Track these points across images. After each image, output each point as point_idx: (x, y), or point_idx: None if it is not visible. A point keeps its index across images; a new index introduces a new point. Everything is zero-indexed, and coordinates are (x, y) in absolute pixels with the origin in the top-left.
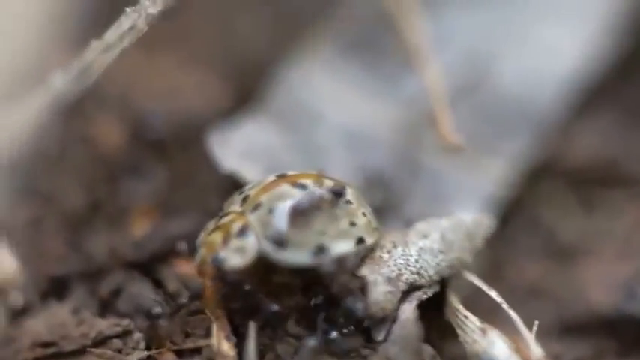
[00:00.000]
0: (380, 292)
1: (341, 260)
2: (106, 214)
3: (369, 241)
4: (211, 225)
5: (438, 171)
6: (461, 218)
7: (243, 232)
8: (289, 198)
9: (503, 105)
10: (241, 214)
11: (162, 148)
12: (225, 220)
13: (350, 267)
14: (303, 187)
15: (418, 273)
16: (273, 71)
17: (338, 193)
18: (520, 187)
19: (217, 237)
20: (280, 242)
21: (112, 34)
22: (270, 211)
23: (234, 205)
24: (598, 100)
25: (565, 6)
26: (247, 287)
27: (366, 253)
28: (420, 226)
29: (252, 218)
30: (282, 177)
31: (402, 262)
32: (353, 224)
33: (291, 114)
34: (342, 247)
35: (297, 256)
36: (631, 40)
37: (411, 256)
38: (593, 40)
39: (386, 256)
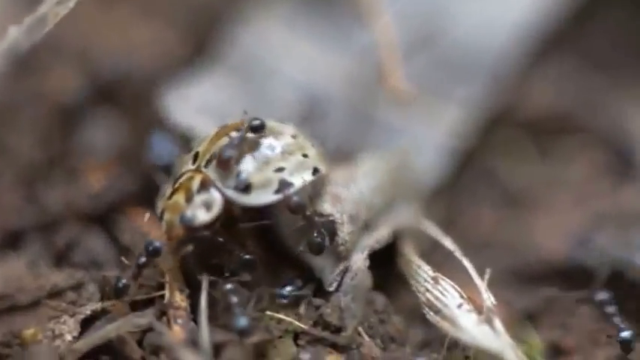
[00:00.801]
0: (346, 232)
1: (302, 192)
2: (62, 167)
3: (323, 170)
4: (168, 189)
5: (391, 123)
6: (390, 153)
7: (204, 186)
8: (231, 143)
9: (457, 54)
10: (197, 170)
11: (119, 101)
12: (183, 179)
13: (312, 198)
14: (237, 138)
15: (371, 210)
16: (228, 25)
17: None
18: (475, 137)
19: (180, 197)
20: (244, 188)
21: None
22: (224, 158)
23: (186, 165)
24: (554, 47)
25: None
26: (218, 240)
27: (322, 183)
28: (365, 163)
29: (209, 171)
30: (224, 127)
31: (358, 199)
32: (305, 156)
33: (246, 69)
34: (302, 178)
35: (262, 196)
36: None
37: (363, 193)
38: None
39: (345, 192)
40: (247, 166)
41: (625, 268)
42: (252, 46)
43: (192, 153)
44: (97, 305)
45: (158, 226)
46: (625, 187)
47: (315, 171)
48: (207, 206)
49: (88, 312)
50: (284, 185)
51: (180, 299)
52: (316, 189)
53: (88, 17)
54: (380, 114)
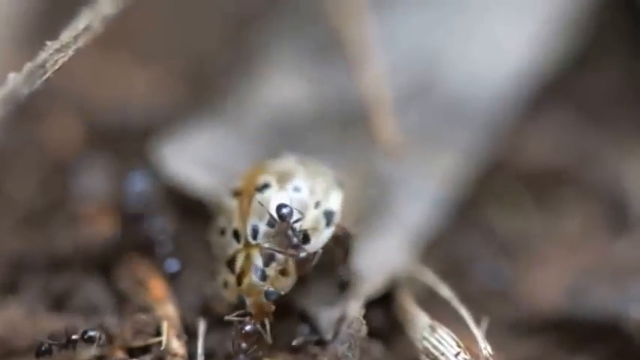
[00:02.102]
0: None
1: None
2: (61, 212)
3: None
4: (227, 276)
5: (387, 173)
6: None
7: (268, 257)
8: (271, 199)
9: (452, 103)
10: (247, 246)
11: (116, 148)
12: (240, 261)
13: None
14: (266, 186)
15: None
16: (226, 74)
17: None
18: (471, 187)
19: (251, 281)
20: (303, 239)
21: (67, 34)
22: (270, 223)
23: (230, 246)
24: (552, 100)
25: (513, 2)
26: None
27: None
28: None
29: (261, 242)
30: (237, 193)
31: None
32: (324, 175)
33: (242, 120)
34: (336, 198)
35: (320, 237)
36: (583, 38)
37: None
38: (541, 36)
39: None
40: (293, 217)
41: (619, 321)
42: (248, 97)
43: (230, 230)
44: (95, 351)
45: (154, 274)
46: (619, 239)
47: (338, 185)
48: (283, 272)
49: (86, 358)
50: (329, 215)
51: (177, 346)
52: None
53: (86, 64)
54: (376, 164)
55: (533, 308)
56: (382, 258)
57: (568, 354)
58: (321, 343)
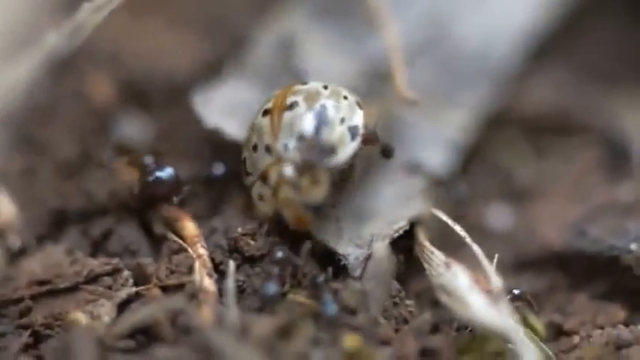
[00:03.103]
0: None
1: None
2: (98, 162)
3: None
4: (262, 188)
5: (402, 117)
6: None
7: (300, 169)
8: (300, 116)
9: (462, 59)
10: (279, 160)
11: (149, 103)
12: (274, 176)
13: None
14: (294, 104)
15: None
16: (252, 32)
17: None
18: (479, 134)
19: (286, 192)
20: (330, 151)
21: None
22: (300, 137)
23: (263, 160)
24: (552, 53)
25: None
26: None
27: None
28: None
29: (291, 154)
30: (269, 110)
31: None
32: (345, 97)
33: (268, 72)
34: (358, 116)
35: (346, 149)
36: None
37: None
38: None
39: None
40: (321, 132)
41: (620, 254)
42: (272, 50)
43: (262, 145)
44: (132, 290)
45: (187, 217)
46: (620, 181)
47: (359, 105)
48: (315, 181)
49: (124, 296)
50: (354, 130)
51: (209, 284)
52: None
53: (120, 25)
54: (392, 110)
55: (539, 246)
56: (404, 201)
57: (572, 287)
58: (342, 278)
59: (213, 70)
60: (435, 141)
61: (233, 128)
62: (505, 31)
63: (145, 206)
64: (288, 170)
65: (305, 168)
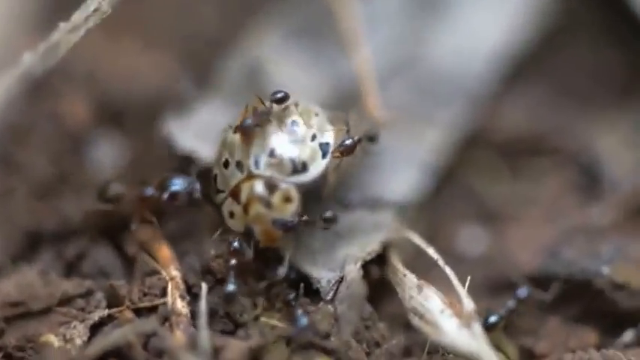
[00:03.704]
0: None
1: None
2: (72, 183)
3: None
4: (232, 205)
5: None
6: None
7: (271, 186)
8: (271, 132)
9: (435, 79)
10: (250, 177)
11: (124, 124)
12: (245, 192)
13: None
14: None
15: None
16: (226, 52)
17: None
18: (453, 156)
19: (257, 208)
20: (302, 168)
21: (78, 16)
22: (271, 152)
23: (235, 177)
24: (526, 74)
25: None
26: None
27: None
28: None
29: (263, 171)
30: (241, 126)
31: None
32: (317, 115)
33: (242, 94)
34: (329, 133)
35: (317, 166)
36: (555, 18)
37: None
38: (516, 17)
39: None
40: (292, 150)
41: (592, 278)
42: (245, 73)
43: (233, 162)
44: (105, 312)
45: (159, 239)
46: (592, 203)
47: (330, 122)
48: (286, 198)
49: (97, 318)
50: (325, 148)
51: (181, 306)
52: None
53: (95, 45)
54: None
55: (512, 268)
56: (376, 223)
57: (544, 310)
58: (315, 302)
59: (187, 92)
60: (408, 162)
61: (208, 152)
62: (479, 51)
63: (120, 227)
64: (259, 186)
65: (276, 184)
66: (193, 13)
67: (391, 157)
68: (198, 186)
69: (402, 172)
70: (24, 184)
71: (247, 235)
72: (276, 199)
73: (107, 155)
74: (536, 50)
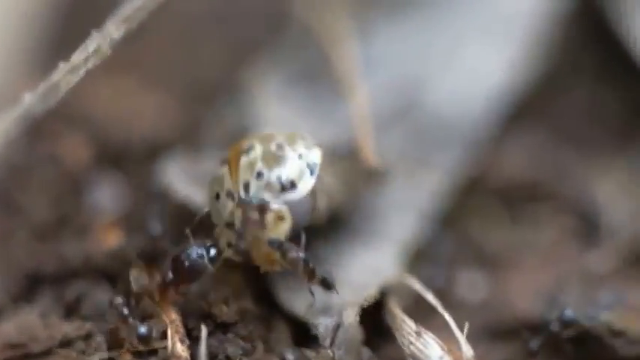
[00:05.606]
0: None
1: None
2: (72, 226)
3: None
4: (228, 235)
5: (372, 185)
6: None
7: (262, 209)
8: (257, 156)
9: (434, 124)
10: (241, 204)
11: (124, 166)
12: (240, 221)
13: None
14: (250, 148)
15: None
16: (225, 97)
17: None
18: (452, 201)
19: (253, 233)
20: (291, 186)
21: (77, 56)
22: (259, 175)
23: (227, 207)
24: (525, 117)
25: (489, 28)
26: None
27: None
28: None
29: (254, 197)
30: (230, 157)
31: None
32: (302, 138)
33: (237, 140)
34: (315, 151)
35: (306, 183)
36: (554, 61)
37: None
38: (515, 60)
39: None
40: (279, 170)
41: (591, 324)
42: (244, 117)
43: (223, 193)
44: (105, 355)
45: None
46: (591, 250)
47: (316, 145)
48: (279, 217)
49: None
50: (312, 167)
51: (181, 350)
52: None
53: (95, 86)
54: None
55: (510, 315)
56: (374, 268)
57: (543, 357)
58: (314, 347)
59: (187, 135)
60: (406, 208)
61: (203, 198)
62: (478, 95)
63: (120, 270)
64: (252, 210)
65: (267, 206)
66: (193, 55)
67: (389, 203)
68: (213, 251)
69: (400, 218)
70: (24, 226)
71: (246, 262)
72: (269, 219)
73: (107, 197)
74: (535, 94)
